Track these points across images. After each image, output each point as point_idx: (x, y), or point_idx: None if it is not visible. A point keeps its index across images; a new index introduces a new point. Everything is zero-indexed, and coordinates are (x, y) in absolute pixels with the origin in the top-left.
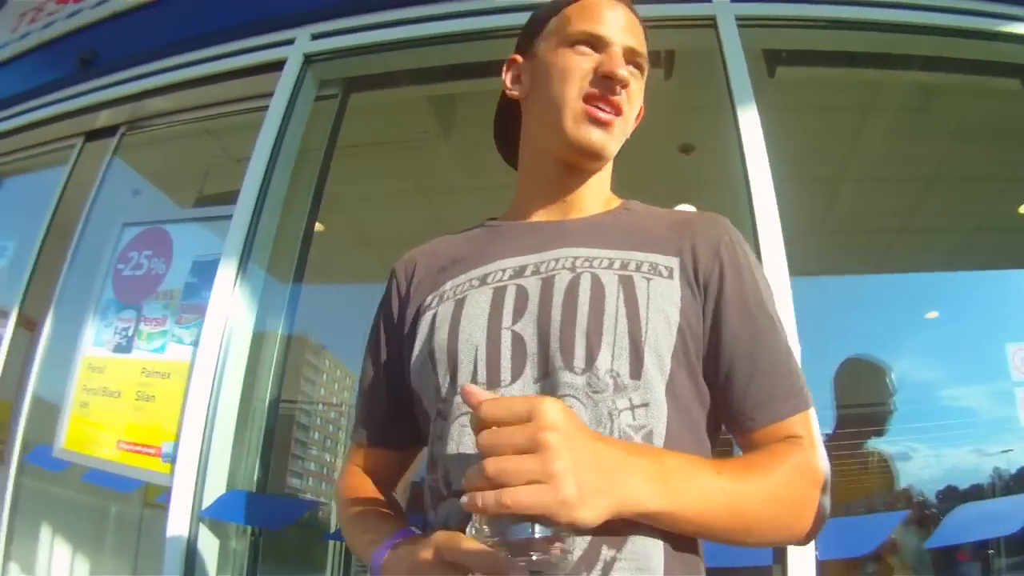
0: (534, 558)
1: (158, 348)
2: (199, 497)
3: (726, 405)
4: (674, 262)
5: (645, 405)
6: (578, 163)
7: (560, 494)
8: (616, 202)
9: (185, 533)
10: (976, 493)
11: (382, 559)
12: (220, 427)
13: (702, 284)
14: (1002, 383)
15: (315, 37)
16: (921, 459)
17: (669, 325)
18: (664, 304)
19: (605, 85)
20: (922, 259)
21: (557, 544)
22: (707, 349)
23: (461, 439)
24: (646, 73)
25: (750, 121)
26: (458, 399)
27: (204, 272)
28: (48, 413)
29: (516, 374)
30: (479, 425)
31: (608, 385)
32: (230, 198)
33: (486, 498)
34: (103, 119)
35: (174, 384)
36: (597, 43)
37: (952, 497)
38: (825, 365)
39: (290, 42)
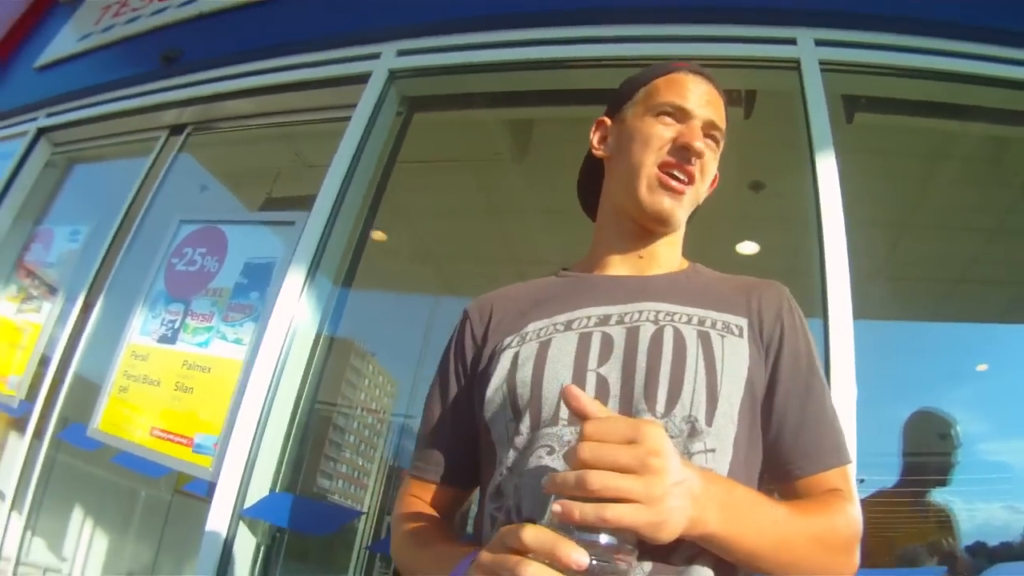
0: (595, 563)
1: (202, 343)
2: (243, 495)
3: (775, 453)
4: (743, 322)
5: (714, 451)
6: (649, 227)
7: (656, 516)
8: (686, 263)
9: (224, 530)
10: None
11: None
12: (272, 428)
13: (766, 342)
14: None
15: (401, 54)
16: (965, 514)
17: (739, 380)
18: (736, 361)
19: (681, 155)
20: (978, 310)
21: (623, 555)
22: (763, 401)
23: (537, 473)
24: (722, 145)
25: (827, 164)
26: (538, 434)
27: (255, 274)
28: (88, 394)
29: None
30: (581, 437)
31: (683, 431)
32: (298, 202)
33: (585, 510)
34: (181, 116)
35: (213, 378)
36: (679, 114)
37: (991, 555)
38: (873, 409)
39: (376, 56)
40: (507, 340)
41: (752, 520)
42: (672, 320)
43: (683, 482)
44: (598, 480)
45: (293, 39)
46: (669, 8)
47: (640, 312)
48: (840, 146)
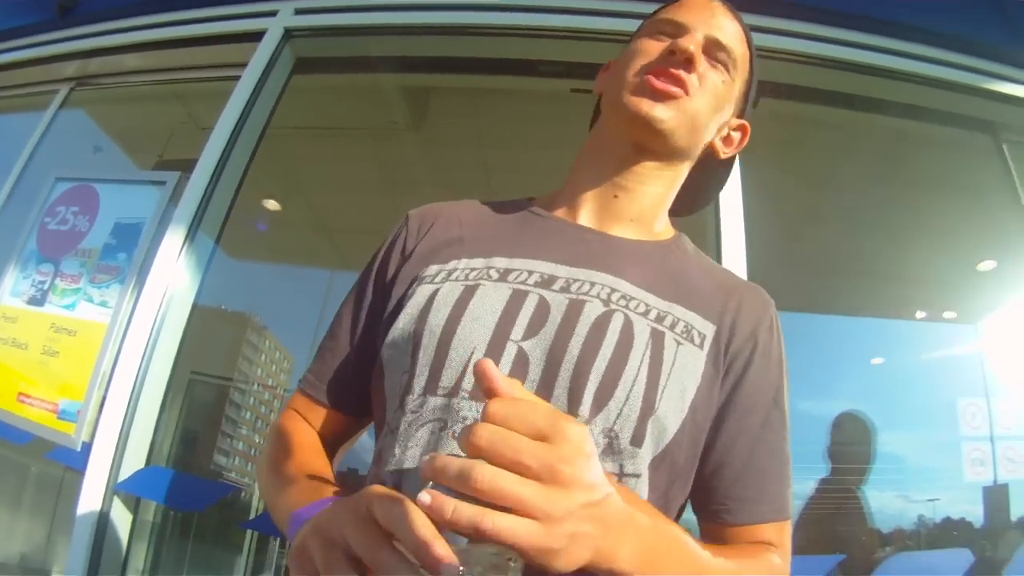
0: (462, 572)
1: (69, 305)
2: (116, 468)
3: (707, 489)
4: (709, 330)
5: (638, 476)
6: (636, 137)
7: (550, 540)
8: (671, 232)
9: (98, 505)
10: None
11: (303, 519)
12: (146, 398)
13: (729, 359)
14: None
15: (298, 12)
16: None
17: (683, 400)
18: (685, 377)
19: (667, 59)
20: (875, 304)
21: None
22: (709, 430)
23: (427, 447)
24: (739, 81)
25: None
26: (432, 401)
27: (124, 234)
28: None
29: None
30: (482, 417)
31: (599, 444)
32: (190, 165)
33: (460, 510)
34: (77, 70)
35: (79, 342)
36: (676, 30)
37: (884, 541)
38: None
39: (272, 14)
40: (430, 270)
41: (673, 565)
42: (626, 306)
43: (598, 504)
44: (487, 478)
45: None
46: None
47: (592, 284)
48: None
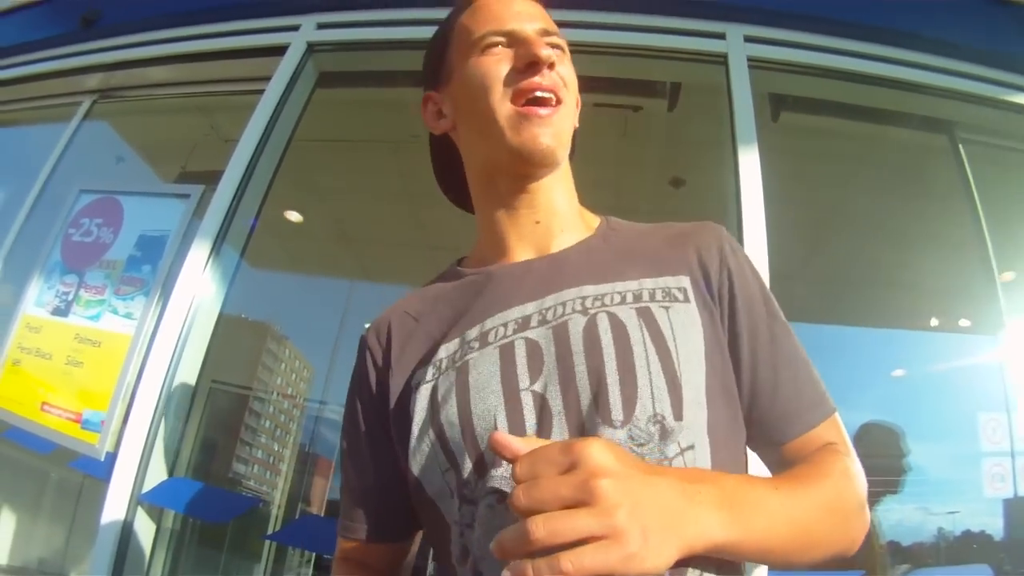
0: None
1: (94, 316)
2: (141, 479)
3: (753, 421)
4: (685, 281)
5: (692, 447)
6: (531, 173)
7: (627, 548)
8: (596, 220)
9: (122, 515)
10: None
11: None
12: (171, 409)
13: (716, 296)
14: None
15: (321, 27)
16: (880, 515)
17: (698, 355)
18: (689, 332)
19: (531, 72)
20: (896, 315)
21: None
22: (730, 366)
23: (491, 521)
24: (569, 54)
25: (750, 162)
26: (491, 475)
27: (148, 247)
28: None
29: (545, 439)
30: (515, 482)
31: (653, 434)
32: (213, 177)
33: (538, 567)
34: (100, 83)
35: (103, 352)
36: (508, 39)
37: (904, 555)
38: None
39: (295, 28)
40: (419, 373)
41: (759, 513)
42: (603, 304)
43: (653, 497)
44: (541, 527)
45: (213, 6)
46: None
47: (563, 304)
48: (764, 145)
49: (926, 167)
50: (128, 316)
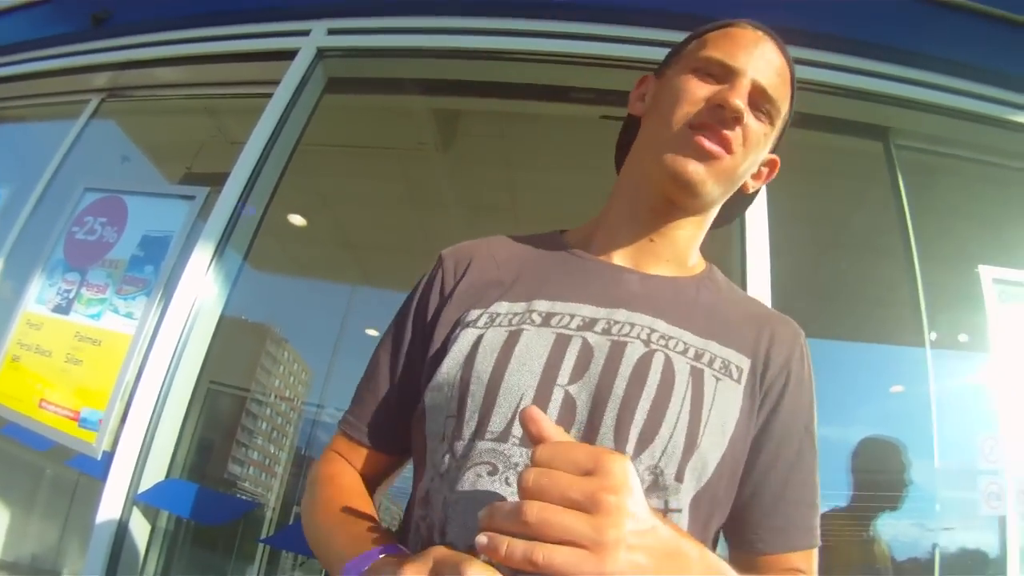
0: None
1: (95, 315)
2: (137, 478)
3: (741, 518)
4: (746, 363)
5: (680, 511)
6: (672, 196)
7: (600, 566)
8: (702, 265)
9: (117, 515)
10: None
11: (358, 573)
12: (169, 410)
13: (764, 390)
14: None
15: (331, 32)
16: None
17: (724, 435)
18: (725, 412)
19: (714, 114)
20: (897, 332)
21: None
22: (746, 458)
23: (475, 489)
24: (779, 125)
25: None
26: (482, 445)
27: (151, 247)
28: None
29: None
30: (531, 461)
31: (645, 482)
32: (218, 179)
33: (513, 546)
34: (108, 81)
35: (103, 351)
36: (725, 74)
37: (899, 570)
38: None
39: (305, 33)
40: (473, 314)
41: None
42: (666, 346)
43: (646, 533)
44: (535, 512)
45: (223, 9)
46: (617, 8)
47: (632, 325)
48: None
49: (934, 184)
50: (129, 316)
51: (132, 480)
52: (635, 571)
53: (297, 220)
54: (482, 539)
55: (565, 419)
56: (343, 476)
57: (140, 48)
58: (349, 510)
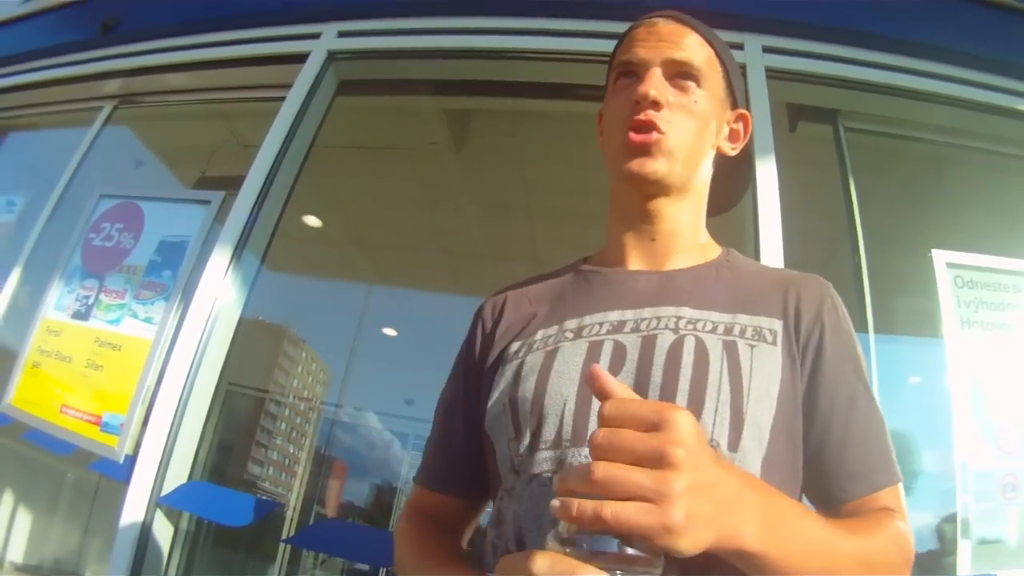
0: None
1: (114, 320)
2: (160, 481)
3: (817, 473)
4: (778, 325)
5: None
6: (642, 194)
7: (668, 519)
8: (716, 250)
9: (141, 517)
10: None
11: None
12: (190, 413)
13: (802, 346)
14: None
15: (342, 35)
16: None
17: (769, 398)
18: (766, 374)
19: (636, 110)
20: (911, 324)
21: (645, 567)
22: (803, 414)
23: (539, 500)
24: (707, 79)
25: (767, 172)
26: (539, 456)
27: (169, 252)
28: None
29: None
30: (599, 420)
31: None
32: (232, 182)
33: (583, 507)
34: (120, 88)
35: (123, 356)
36: (637, 71)
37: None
38: None
39: (316, 36)
40: (514, 347)
41: (796, 538)
42: (694, 328)
43: (713, 485)
44: (602, 471)
45: (233, 13)
46: (627, 4)
47: (659, 318)
48: (781, 155)
49: (946, 175)
50: (148, 320)
51: (155, 483)
52: (701, 522)
53: (312, 221)
54: (555, 503)
55: None
56: (422, 519)
57: (150, 54)
58: (434, 553)
